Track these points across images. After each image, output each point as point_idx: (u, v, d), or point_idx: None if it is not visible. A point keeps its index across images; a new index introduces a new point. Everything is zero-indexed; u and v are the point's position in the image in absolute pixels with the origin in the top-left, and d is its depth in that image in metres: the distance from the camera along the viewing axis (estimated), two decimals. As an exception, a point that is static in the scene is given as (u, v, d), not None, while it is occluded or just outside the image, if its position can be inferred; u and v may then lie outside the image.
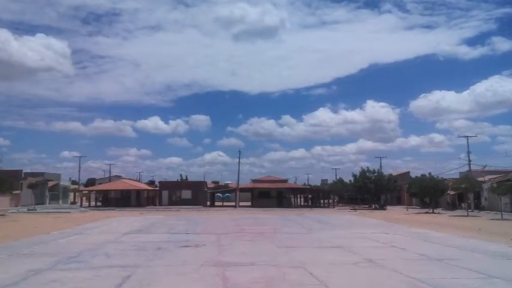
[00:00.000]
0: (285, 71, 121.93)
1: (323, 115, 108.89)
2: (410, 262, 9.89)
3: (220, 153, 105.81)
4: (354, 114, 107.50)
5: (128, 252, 11.59)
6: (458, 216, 33.07)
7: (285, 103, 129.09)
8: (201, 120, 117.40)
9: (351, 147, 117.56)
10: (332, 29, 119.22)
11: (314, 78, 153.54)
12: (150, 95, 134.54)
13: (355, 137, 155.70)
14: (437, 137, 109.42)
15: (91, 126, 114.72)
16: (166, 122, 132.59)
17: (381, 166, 59.28)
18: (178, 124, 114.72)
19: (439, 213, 38.19)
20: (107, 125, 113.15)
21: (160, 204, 54.04)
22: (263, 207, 47.41)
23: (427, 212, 38.46)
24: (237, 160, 56.51)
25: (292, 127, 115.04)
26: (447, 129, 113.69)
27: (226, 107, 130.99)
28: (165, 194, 55.44)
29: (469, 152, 46.90)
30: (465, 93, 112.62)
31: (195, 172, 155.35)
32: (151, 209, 46.66)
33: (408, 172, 66.83)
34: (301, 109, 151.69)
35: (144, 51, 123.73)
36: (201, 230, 18.79)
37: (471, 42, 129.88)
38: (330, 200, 58.57)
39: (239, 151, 57.94)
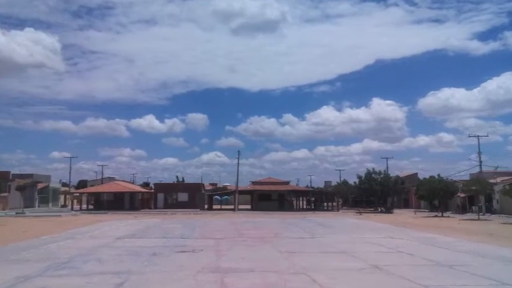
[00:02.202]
0: (286, 67, 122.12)
1: (326, 113, 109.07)
2: (418, 268, 9.89)
3: (219, 153, 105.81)
4: (359, 113, 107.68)
5: (122, 257, 11.60)
6: (468, 220, 33.09)
7: (286, 101, 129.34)
8: (198, 119, 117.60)
9: (355, 147, 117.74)
10: (336, 23, 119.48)
11: (317, 75, 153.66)
12: (144, 92, 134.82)
13: (360, 136, 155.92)
14: (447, 137, 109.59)
15: (82, 126, 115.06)
16: (162, 121, 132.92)
17: (387, 167, 59.39)
18: (174, 123, 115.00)
19: (448, 216, 38.22)
20: (99, 124, 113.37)
21: (156, 207, 54.05)
22: (263, 210, 47.44)
23: (436, 216, 38.50)
24: (236, 161, 56.55)
25: (294, 126, 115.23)
26: (457, 128, 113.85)
27: (224, 105, 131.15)
28: (160, 196, 55.47)
29: (480, 153, 46.92)
30: (476, 90, 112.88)
31: (191, 173, 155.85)
32: (146, 212, 46.68)
33: (416, 173, 66.91)
34: (303, 107, 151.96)
35: (138, 46, 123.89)
36: (199, 235, 18.80)
37: (482, 37, 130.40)
38: (333, 203, 58.63)
39: (238, 151, 57.90)
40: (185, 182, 71.48)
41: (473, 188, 37.69)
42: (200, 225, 25.23)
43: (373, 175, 50.92)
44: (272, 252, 12.88)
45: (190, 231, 20.38)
